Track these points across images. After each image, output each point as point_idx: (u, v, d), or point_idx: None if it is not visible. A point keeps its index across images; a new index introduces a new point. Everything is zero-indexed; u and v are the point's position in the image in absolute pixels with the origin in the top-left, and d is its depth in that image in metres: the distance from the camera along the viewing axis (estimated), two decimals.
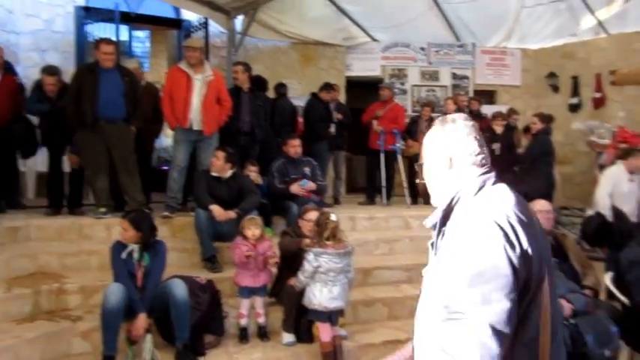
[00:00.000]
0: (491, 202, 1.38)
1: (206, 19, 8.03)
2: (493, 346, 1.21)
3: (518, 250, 1.27)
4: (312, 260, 3.77)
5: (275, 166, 5.63)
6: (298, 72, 9.24)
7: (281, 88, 7.18)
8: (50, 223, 5.05)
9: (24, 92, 5.73)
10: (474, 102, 8.16)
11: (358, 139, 7.95)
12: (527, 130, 7.68)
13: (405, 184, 7.42)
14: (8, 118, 5.30)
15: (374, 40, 9.62)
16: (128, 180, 5.19)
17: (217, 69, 6.07)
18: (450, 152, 1.49)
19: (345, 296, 3.85)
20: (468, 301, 1.24)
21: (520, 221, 1.31)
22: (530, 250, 1.28)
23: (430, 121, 7.69)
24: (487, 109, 8.35)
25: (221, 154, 4.90)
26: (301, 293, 3.90)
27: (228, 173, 4.94)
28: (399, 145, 7.43)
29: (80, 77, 5.03)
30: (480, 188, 1.43)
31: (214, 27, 8.33)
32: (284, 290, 4.11)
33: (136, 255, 3.75)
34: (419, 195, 7.69)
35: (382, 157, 7.28)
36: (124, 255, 3.73)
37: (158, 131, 6.41)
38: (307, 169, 5.71)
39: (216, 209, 4.68)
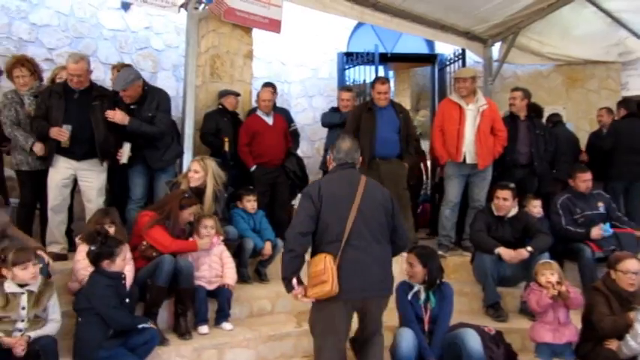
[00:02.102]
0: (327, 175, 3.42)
1: (463, 50, 7.80)
2: (297, 233, 2.98)
3: (317, 193, 3.02)
4: None
5: (559, 202, 4.93)
6: (563, 96, 8.32)
7: (555, 116, 6.58)
8: None
9: (298, 136, 6.26)
10: None
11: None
12: None
13: None
14: (283, 156, 5.62)
15: None
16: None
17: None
18: (331, 156, 3.32)
19: None
20: (294, 215, 3.15)
21: (326, 181, 3.22)
22: (323, 195, 3.02)
23: None
24: None
25: (508, 193, 4.49)
26: None
27: (512, 212, 4.49)
28: None
29: (358, 116, 5.17)
30: (334, 171, 3.23)
31: (469, 57, 8.05)
32: (599, 354, 3.38)
33: (422, 296, 3.62)
34: None
35: None
36: (409, 296, 3.63)
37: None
38: (601, 206, 4.87)
39: (504, 252, 4.27)
